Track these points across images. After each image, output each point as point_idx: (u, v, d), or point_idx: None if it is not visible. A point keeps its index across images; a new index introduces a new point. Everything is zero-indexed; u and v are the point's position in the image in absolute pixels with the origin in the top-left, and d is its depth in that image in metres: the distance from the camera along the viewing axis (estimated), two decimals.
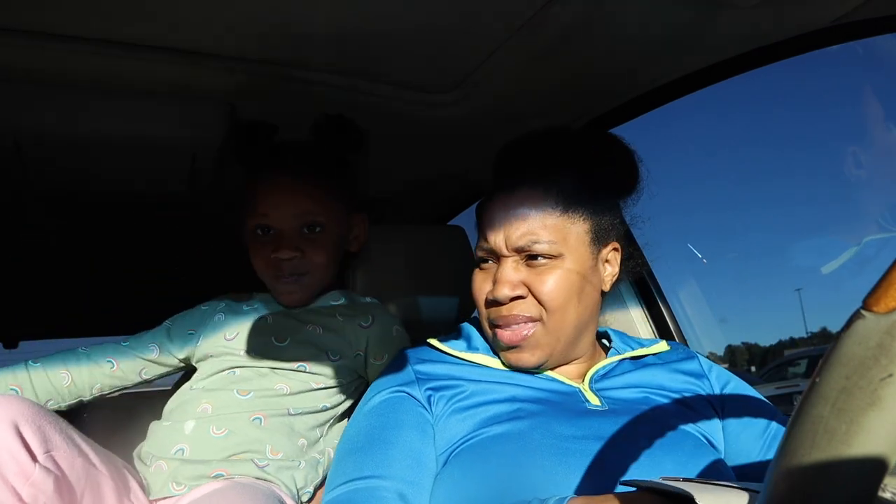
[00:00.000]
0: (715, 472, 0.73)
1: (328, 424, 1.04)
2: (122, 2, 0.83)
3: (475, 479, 0.71)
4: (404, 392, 0.82)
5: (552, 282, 0.81)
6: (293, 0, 0.83)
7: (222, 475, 0.91)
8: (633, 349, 0.92)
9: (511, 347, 0.83)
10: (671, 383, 0.87)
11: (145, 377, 1.07)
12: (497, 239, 0.83)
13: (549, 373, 0.85)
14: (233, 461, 0.93)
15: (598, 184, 0.87)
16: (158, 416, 1.05)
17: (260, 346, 1.04)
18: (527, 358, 0.83)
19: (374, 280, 1.24)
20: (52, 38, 0.89)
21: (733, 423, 0.84)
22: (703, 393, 0.87)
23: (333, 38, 0.95)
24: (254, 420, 0.96)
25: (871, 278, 0.33)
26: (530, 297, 0.82)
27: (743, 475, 0.77)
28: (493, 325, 0.85)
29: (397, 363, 0.88)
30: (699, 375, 0.89)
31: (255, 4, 0.84)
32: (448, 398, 0.80)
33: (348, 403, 1.07)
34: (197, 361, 1.08)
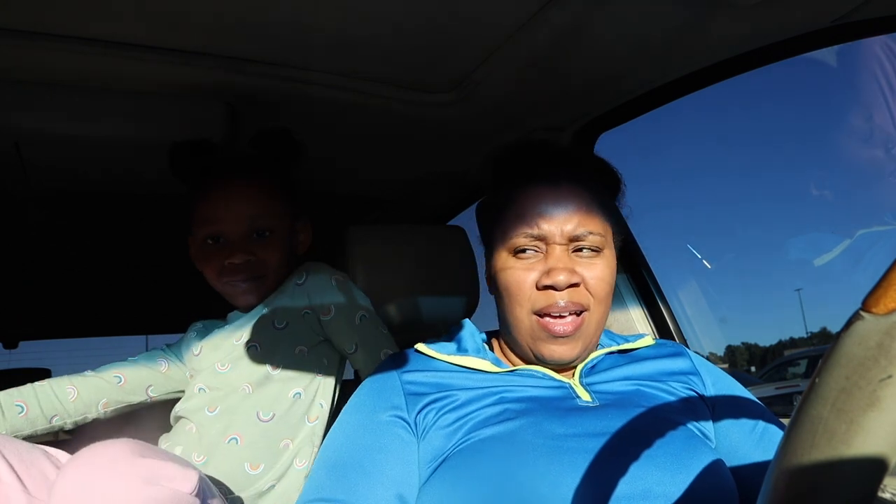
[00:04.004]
0: (711, 467, 0.73)
1: (315, 417, 1.03)
2: (122, 2, 0.83)
3: (468, 481, 0.71)
4: (392, 415, 0.80)
5: (600, 271, 0.83)
6: (293, 0, 0.83)
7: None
8: (618, 344, 0.93)
9: (557, 338, 0.82)
10: (661, 376, 0.87)
11: (152, 394, 1.08)
12: (551, 226, 0.83)
13: (540, 369, 0.85)
14: None
15: (612, 194, 0.92)
16: (157, 419, 1.05)
17: (221, 350, 1.06)
18: (568, 351, 0.83)
19: (374, 280, 1.24)
20: (51, 38, 0.89)
21: (723, 420, 0.84)
22: (693, 388, 0.87)
23: (333, 39, 0.95)
24: (230, 442, 0.96)
25: (871, 279, 0.33)
26: (582, 286, 0.83)
27: (735, 474, 0.77)
28: (541, 314, 0.83)
29: (384, 374, 0.87)
30: (689, 371, 0.90)
31: (255, 5, 0.84)
32: (437, 409, 0.80)
33: (323, 382, 1.06)
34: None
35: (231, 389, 1.00)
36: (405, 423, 0.80)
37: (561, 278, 0.80)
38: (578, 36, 0.95)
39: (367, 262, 1.26)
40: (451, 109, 1.18)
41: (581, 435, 0.72)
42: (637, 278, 1.33)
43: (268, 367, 1.02)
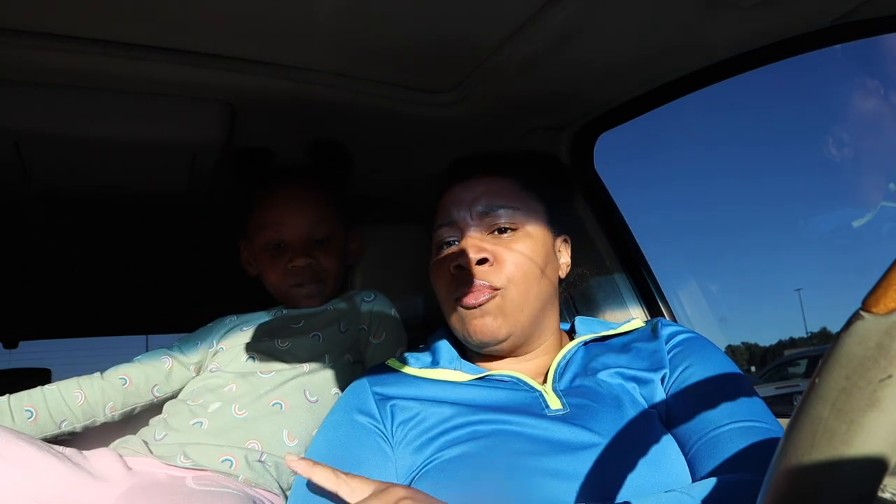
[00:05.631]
0: (681, 472, 0.71)
1: None
2: (122, 2, 0.83)
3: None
4: (368, 426, 0.80)
5: (518, 250, 0.84)
6: (293, 1, 0.83)
7: (230, 461, 0.92)
8: (597, 332, 0.91)
9: (474, 308, 0.82)
10: (634, 361, 0.84)
11: (157, 394, 1.08)
12: (460, 209, 0.86)
13: (513, 373, 0.83)
14: (245, 448, 0.94)
15: (545, 182, 0.94)
16: (157, 413, 1.05)
17: (277, 329, 1.10)
18: (491, 323, 0.82)
19: (374, 280, 1.24)
20: (52, 38, 0.89)
21: (674, 388, 0.80)
22: (662, 365, 0.83)
23: (333, 39, 0.95)
24: (273, 405, 0.99)
25: (871, 279, 0.33)
26: (495, 265, 0.83)
27: (679, 435, 0.74)
28: (458, 298, 0.84)
29: (356, 388, 0.86)
30: (657, 344, 0.86)
31: (255, 4, 0.84)
32: (407, 425, 0.79)
33: None
34: (213, 357, 1.09)
35: (288, 364, 1.04)
36: (381, 434, 0.79)
37: (470, 255, 0.82)
38: (578, 36, 0.95)
39: (368, 262, 1.26)
40: (451, 109, 1.18)
41: (547, 452, 0.71)
42: (637, 278, 1.33)
43: (326, 356, 1.07)
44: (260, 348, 1.06)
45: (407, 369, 0.88)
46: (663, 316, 1.29)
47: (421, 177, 1.56)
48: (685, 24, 0.93)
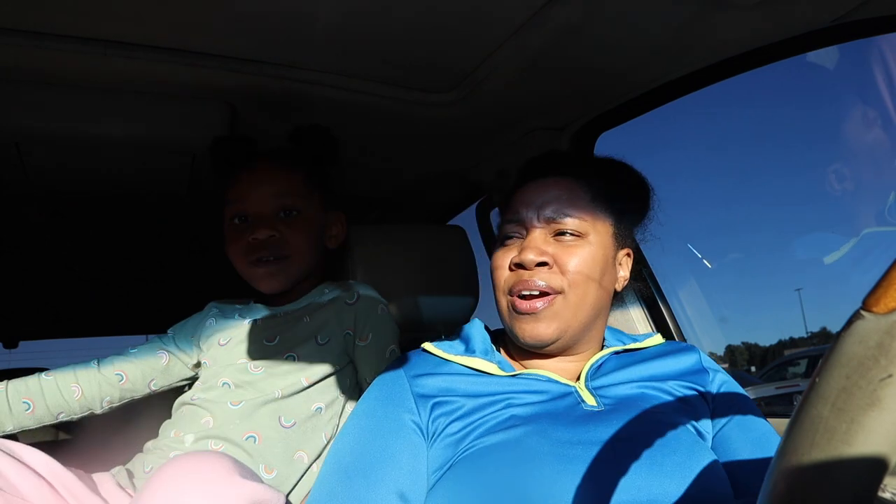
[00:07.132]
0: (714, 473, 0.72)
1: (332, 428, 1.03)
2: (123, 2, 0.83)
3: (473, 489, 0.70)
4: (403, 419, 0.80)
5: (578, 255, 0.84)
6: (294, 0, 0.83)
7: None
8: (625, 343, 0.93)
9: (529, 314, 0.84)
10: (668, 377, 0.87)
11: (154, 388, 1.08)
12: (528, 210, 0.87)
13: (545, 373, 0.85)
14: None
15: (618, 193, 0.92)
16: (157, 415, 1.05)
17: (251, 348, 1.04)
18: (543, 329, 0.83)
19: (374, 280, 1.24)
20: (52, 38, 0.89)
21: (725, 423, 0.83)
22: (699, 388, 0.86)
23: (333, 38, 0.95)
24: (247, 439, 0.96)
25: (872, 278, 0.33)
26: (555, 268, 0.84)
27: (731, 473, 0.77)
28: (513, 294, 0.85)
29: (392, 377, 0.86)
30: (697, 371, 0.89)
31: (255, 4, 0.84)
32: (445, 416, 0.79)
33: (346, 403, 1.06)
34: (199, 368, 1.08)
35: (260, 392, 0.99)
36: (417, 428, 0.79)
37: (530, 256, 0.83)
38: (578, 36, 0.95)
39: (368, 262, 1.26)
40: (451, 109, 1.18)
41: (586, 442, 0.72)
42: (637, 278, 1.33)
43: (302, 379, 1.01)
44: (233, 375, 1.02)
45: (442, 354, 0.88)
46: (663, 316, 1.30)
47: (421, 177, 1.56)
48: (685, 24, 0.93)
